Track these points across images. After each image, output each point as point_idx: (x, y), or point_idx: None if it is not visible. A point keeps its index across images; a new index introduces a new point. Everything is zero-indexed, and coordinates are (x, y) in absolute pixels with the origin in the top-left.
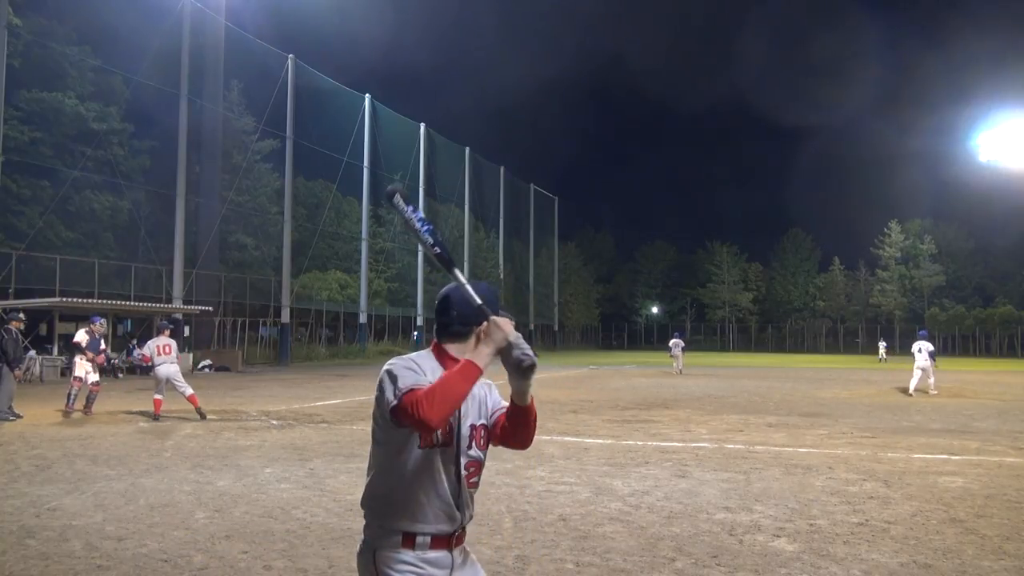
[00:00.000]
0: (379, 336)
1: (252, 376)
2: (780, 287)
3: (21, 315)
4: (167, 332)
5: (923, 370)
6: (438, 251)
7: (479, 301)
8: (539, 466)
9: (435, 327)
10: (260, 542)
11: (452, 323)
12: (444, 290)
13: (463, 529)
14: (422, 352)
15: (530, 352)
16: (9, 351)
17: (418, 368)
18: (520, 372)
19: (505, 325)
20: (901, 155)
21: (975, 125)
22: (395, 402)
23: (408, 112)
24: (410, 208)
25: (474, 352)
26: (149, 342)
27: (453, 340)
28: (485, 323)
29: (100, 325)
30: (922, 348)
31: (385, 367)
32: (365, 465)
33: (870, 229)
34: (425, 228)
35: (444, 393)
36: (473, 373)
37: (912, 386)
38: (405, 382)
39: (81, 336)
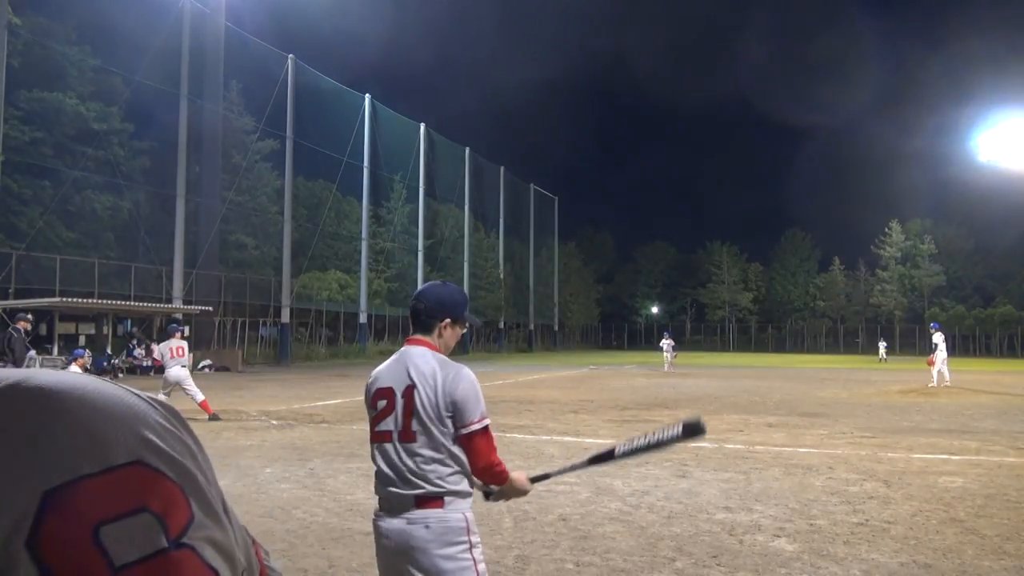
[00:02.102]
0: (379, 336)
1: (252, 376)
2: (780, 287)
3: (29, 316)
4: (179, 335)
5: (944, 360)
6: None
7: None
8: (539, 466)
9: (411, 319)
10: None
11: (420, 314)
12: (421, 287)
13: None
14: (441, 355)
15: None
16: (18, 351)
17: None
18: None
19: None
20: (901, 155)
21: (975, 125)
22: (479, 427)
23: (408, 112)
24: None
25: (514, 476)
26: (162, 345)
27: (424, 332)
28: (447, 322)
29: (86, 358)
30: (943, 338)
31: (469, 375)
32: (366, 465)
33: (870, 229)
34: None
35: (502, 473)
36: (504, 480)
37: (948, 377)
38: (485, 409)
39: (77, 372)
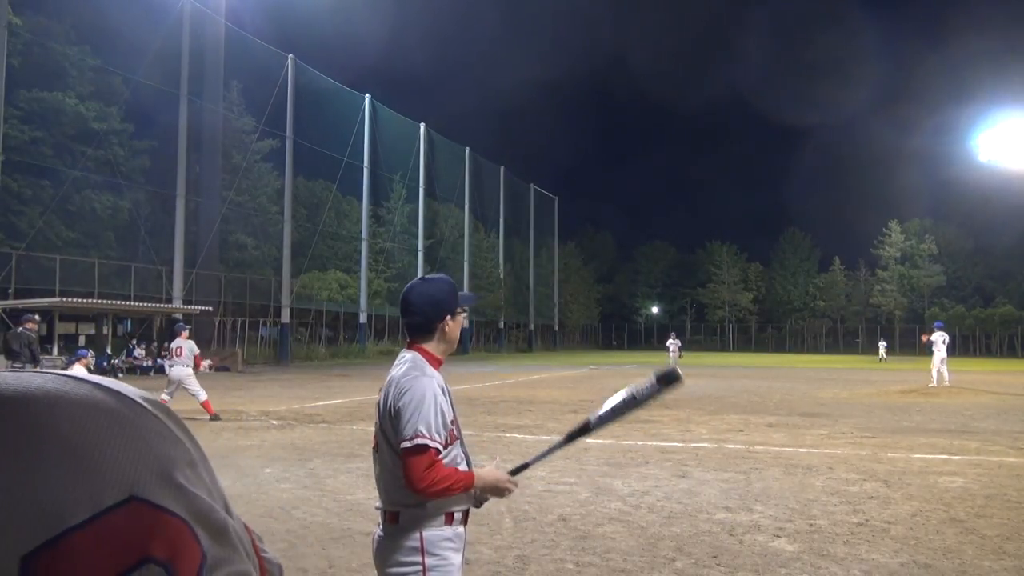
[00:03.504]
0: (379, 336)
1: (252, 376)
2: (780, 287)
3: (36, 316)
4: (184, 334)
5: (943, 360)
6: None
7: None
8: (539, 466)
9: (405, 328)
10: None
11: (419, 324)
12: (405, 288)
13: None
14: (422, 362)
15: (486, 499)
16: (36, 351)
17: (444, 395)
18: (474, 505)
19: (507, 488)
20: (901, 155)
21: (975, 125)
22: (408, 446)
23: (408, 112)
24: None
25: (482, 474)
26: (173, 343)
27: (424, 339)
28: (448, 319)
29: (90, 359)
30: (946, 339)
31: (417, 387)
32: (365, 465)
33: (870, 229)
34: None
35: (449, 488)
36: (468, 486)
37: (947, 378)
38: (424, 426)
39: (81, 372)
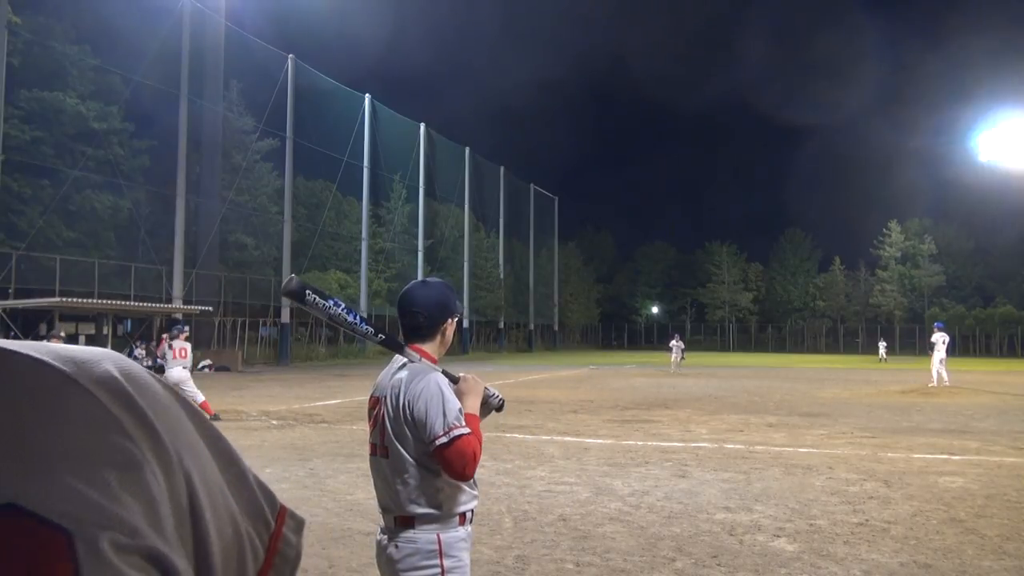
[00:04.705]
0: None
1: (252, 376)
2: (780, 287)
3: (62, 333)
4: (183, 335)
5: (942, 361)
6: (382, 338)
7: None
8: (539, 466)
9: (403, 329)
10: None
11: (421, 325)
12: (405, 290)
13: None
14: (426, 362)
15: (499, 395)
16: None
17: (450, 387)
18: (497, 411)
19: (477, 382)
20: (901, 155)
21: (975, 125)
22: (446, 441)
23: (408, 112)
24: (331, 302)
25: (472, 404)
26: (166, 344)
27: (425, 340)
28: (449, 321)
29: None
30: (945, 339)
31: (429, 387)
32: (366, 465)
33: (870, 229)
34: (352, 316)
35: (480, 446)
36: (478, 419)
37: (947, 378)
38: (453, 417)
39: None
